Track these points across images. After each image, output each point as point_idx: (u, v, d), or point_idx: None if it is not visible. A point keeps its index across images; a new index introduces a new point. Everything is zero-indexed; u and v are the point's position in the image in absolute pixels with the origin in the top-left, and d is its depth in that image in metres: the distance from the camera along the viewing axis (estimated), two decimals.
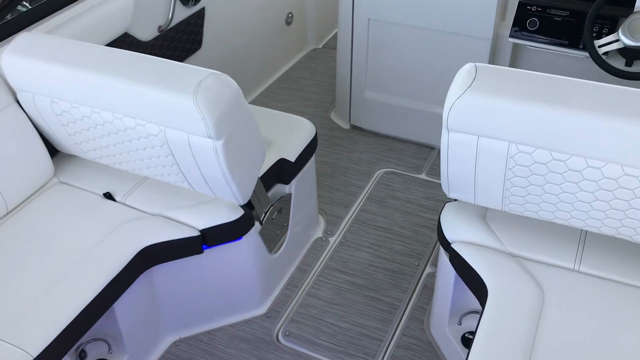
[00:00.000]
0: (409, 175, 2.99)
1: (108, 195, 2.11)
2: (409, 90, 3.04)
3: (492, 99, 1.60)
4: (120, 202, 2.10)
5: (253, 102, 3.58)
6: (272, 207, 2.24)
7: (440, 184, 2.93)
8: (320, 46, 4.17)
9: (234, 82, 1.79)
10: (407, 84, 3.03)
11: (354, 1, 2.90)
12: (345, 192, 2.90)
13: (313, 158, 2.48)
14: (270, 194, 2.28)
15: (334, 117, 3.43)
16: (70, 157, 2.28)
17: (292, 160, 2.30)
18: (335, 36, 4.24)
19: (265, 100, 3.60)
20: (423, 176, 2.99)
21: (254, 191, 2.07)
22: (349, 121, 3.32)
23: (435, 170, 3.01)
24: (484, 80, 1.64)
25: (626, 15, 2.33)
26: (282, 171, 2.30)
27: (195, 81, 1.72)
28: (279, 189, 2.34)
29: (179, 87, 1.72)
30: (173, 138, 1.81)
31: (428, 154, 3.13)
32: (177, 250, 1.99)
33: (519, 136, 1.62)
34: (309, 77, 3.82)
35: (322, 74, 3.84)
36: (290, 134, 2.38)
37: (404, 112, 3.11)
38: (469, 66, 1.69)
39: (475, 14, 2.67)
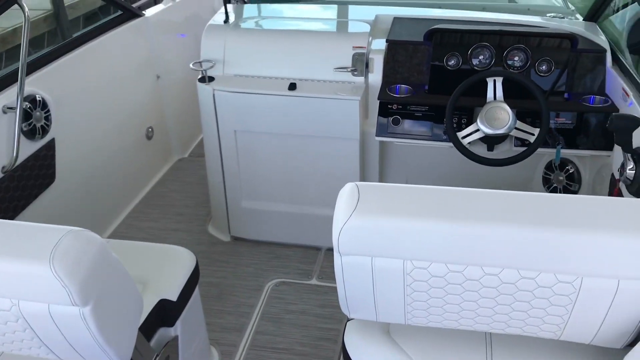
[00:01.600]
0: (300, 283, 2.87)
1: None
2: (287, 195, 2.97)
3: (380, 220, 1.54)
4: None
5: (120, 227, 3.31)
6: (157, 358, 1.99)
7: (334, 287, 2.83)
8: (186, 155, 4.02)
9: (96, 236, 1.58)
10: (284, 189, 2.96)
11: (217, 116, 2.81)
12: (236, 314, 2.70)
13: (197, 290, 2.28)
14: (153, 341, 2.04)
15: (212, 230, 3.26)
16: None
17: (174, 299, 2.09)
18: (200, 143, 4.12)
19: (133, 222, 3.35)
20: (314, 281, 2.88)
21: (135, 347, 1.82)
22: (229, 233, 3.16)
23: (326, 274, 2.92)
24: (368, 201, 1.59)
25: (481, 105, 2.44)
26: (165, 313, 2.07)
27: (50, 243, 1.49)
28: (163, 333, 2.10)
29: (31, 253, 1.48)
30: (29, 311, 1.55)
31: (315, 256, 3.04)
32: None
33: (412, 253, 1.57)
34: (178, 190, 3.63)
35: (192, 184, 3.67)
36: (168, 268, 2.17)
37: (285, 217, 3.02)
38: (350, 187, 1.63)
39: (340, 117, 2.68)
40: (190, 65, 2.82)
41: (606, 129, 2.44)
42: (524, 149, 2.47)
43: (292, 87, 2.70)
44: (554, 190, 2.85)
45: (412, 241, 1.54)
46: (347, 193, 1.62)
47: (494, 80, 2.41)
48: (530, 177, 2.93)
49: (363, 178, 2.92)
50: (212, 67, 2.82)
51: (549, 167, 2.85)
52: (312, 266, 2.97)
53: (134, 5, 3.60)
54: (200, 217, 3.37)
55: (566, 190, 2.80)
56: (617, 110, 2.41)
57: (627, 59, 2.53)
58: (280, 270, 2.95)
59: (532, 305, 1.60)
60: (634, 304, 1.54)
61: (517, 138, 2.48)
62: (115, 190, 3.34)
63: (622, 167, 2.07)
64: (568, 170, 2.77)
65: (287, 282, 2.88)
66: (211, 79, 2.82)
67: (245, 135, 2.84)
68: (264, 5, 3.24)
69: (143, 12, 3.59)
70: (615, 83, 2.48)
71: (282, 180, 2.93)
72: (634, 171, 2.02)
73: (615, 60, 2.56)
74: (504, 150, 2.57)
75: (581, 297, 1.55)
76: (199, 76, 2.84)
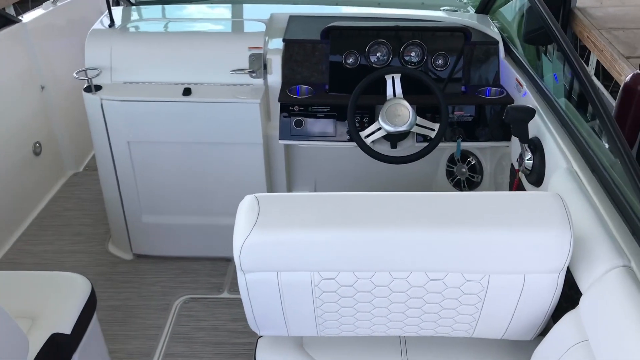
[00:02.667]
0: (210, 298, 2.74)
1: None
2: (191, 206, 2.82)
3: (283, 233, 1.46)
4: None
5: (9, 253, 3.03)
6: None
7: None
8: (81, 169, 3.76)
9: None
10: (187, 200, 2.81)
11: (107, 127, 2.62)
12: (143, 338, 2.53)
13: (95, 318, 2.10)
14: None
15: (112, 249, 3.05)
16: None
17: (68, 332, 1.90)
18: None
19: (25, 247, 3.08)
20: (225, 295, 2.76)
21: None
22: (131, 250, 2.97)
23: (237, 285, 2.80)
24: (269, 213, 1.50)
25: (382, 103, 2.42)
26: (58, 349, 1.88)
27: None
28: None
29: None
30: None
31: (225, 268, 2.92)
32: None
33: (319, 264, 1.49)
34: (74, 208, 3.38)
35: (89, 201, 3.44)
36: (59, 298, 1.98)
37: (190, 229, 2.87)
38: (249, 200, 1.54)
39: (241, 121, 2.57)
40: (74, 75, 2.60)
41: (503, 120, 2.48)
42: (426, 144, 2.47)
43: (187, 92, 2.56)
44: (458, 183, 2.88)
45: (317, 252, 1.47)
46: (246, 207, 1.52)
47: (392, 78, 2.38)
48: (435, 171, 2.95)
49: (270, 184, 2.83)
50: (98, 75, 2.62)
51: (452, 160, 2.88)
52: (222, 279, 2.84)
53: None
54: (100, 235, 3.15)
55: (469, 181, 2.84)
56: (512, 101, 2.46)
57: (519, 50, 2.59)
58: (189, 285, 2.81)
59: (443, 306, 1.57)
60: (541, 296, 1.54)
61: (419, 134, 2.48)
62: (1, 213, 3.05)
63: (521, 158, 2.10)
64: (470, 162, 2.81)
65: (197, 298, 2.74)
66: (98, 87, 2.62)
67: (140, 147, 2.67)
68: (153, 7, 3.06)
69: (20, 17, 3.30)
70: (509, 74, 2.53)
71: (185, 191, 2.79)
72: (531, 161, 2.05)
73: (508, 51, 2.61)
74: (408, 147, 2.56)
75: (490, 295, 1.54)
76: (85, 85, 2.63)
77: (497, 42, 2.60)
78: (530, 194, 1.51)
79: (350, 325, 1.67)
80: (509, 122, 2.00)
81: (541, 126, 2.04)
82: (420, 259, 1.47)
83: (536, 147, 2.04)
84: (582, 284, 1.49)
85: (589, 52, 3.54)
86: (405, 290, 1.53)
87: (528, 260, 1.46)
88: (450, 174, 2.89)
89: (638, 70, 3.77)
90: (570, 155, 1.85)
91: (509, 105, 1.99)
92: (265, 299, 1.59)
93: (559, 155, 1.89)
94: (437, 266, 1.48)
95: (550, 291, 1.52)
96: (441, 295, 1.54)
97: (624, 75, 5.43)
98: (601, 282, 1.42)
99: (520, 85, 2.37)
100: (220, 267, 2.91)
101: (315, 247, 1.46)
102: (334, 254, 1.47)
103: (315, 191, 3.03)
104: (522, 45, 2.63)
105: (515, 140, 2.34)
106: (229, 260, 2.95)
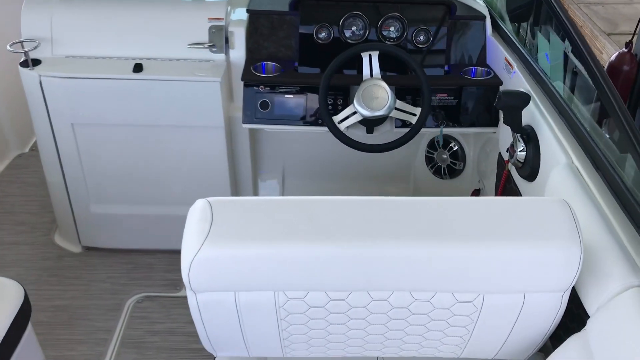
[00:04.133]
0: (166, 297, 2.48)
1: None
2: (145, 194, 2.55)
3: (240, 247, 1.21)
4: None
5: None
6: None
7: None
8: (26, 150, 3.43)
9: None
10: (142, 188, 2.53)
11: (47, 106, 2.32)
12: (91, 343, 2.28)
13: (30, 327, 1.83)
14: None
15: (59, 240, 2.76)
16: None
17: None
18: None
19: None
20: (183, 293, 2.51)
21: None
22: (80, 242, 2.69)
23: None
24: (224, 223, 1.25)
25: (357, 83, 2.17)
26: None
27: None
28: None
29: None
30: None
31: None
32: None
33: (284, 283, 1.25)
34: (18, 194, 3.07)
35: (36, 186, 3.12)
36: None
37: (145, 220, 2.60)
38: (200, 206, 1.28)
39: (199, 102, 2.30)
40: (8, 47, 2.28)
41: (491, 104, 2.26)
42: (405, 130, 2.24)
43: (138, 68, 2.26)
44: (438, 170, 2.66)
45: (282, 269, 1.23)
46: (196, 214, 1.27)
47: (369, 55, 2.13)
48: (413, 157, 2.73)
49: (233, 171, 2.57)
50: (36, 47, 2.30)
51: (432, 145, 2.66)
52: (179, 274, 2.58)
53: None
54: (45, 225, 2.86)
55: (450, 168, 2.63)
56: (501, 82, 2.23)
57: (507, 26, 2.36)
58: (143, 282, 2.55)
59: (429, 327, 1.35)
60: (541, 317, 1.33)
61: (397, 119, 2.24)
62: None
63: (512, 148, 1.88)
64: (451, 148, 2.59)
65: (152, 297, 2.48)
66: (37, 62, 2.31)
67: (86, 129, 2.37)
68: None
69: None
70: (497, 53, 2.30)
71: (137, 179, 2.51)
72: (524, 153, 1.84)
73: (496, 27, 2.38)
74: (385, 132, 2.32)
75: (483, 316, 1.32)
76: (21, 59, 2.31)
77: (484, 17, 2.37)
78: (532, 200, 1.29)
79: (321, 347, 1.44)
80: (500, 108, 1.78)
81: (535, 113, 1.83)
82: (403, 278, 1.24)
83: (529, 137, 1.82)
84: (590, 304, 1.28)
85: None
86: (386, 312, 1.31)
87: (529, 278, 1.24)
88: (430, 161, 2.68)
89: (624, 49, 3.56)
90: (569, 148, 1.64)
91: (501, 90, 1.76)
92: (220, 320, 1.35)
93: (556, 148, 1.67)
94: (423, 285, 1.26)
95: (553, 311, 1.31)
96: (427, 316, 1.32)
97: (605, 52, 5.24)
98: (613, 304, 1.22)
99: (510, 65, 2.14)
100: (177, 261, 2.65)
101: (280, 264, 1.22)
102: (302, 271, 1.23)
103: (283, 179, 2.78)
104: (510, 22, 2.40)
105: (503, 125, 2.12)
106: None
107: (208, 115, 2.33)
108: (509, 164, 1.99)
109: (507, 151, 1.97)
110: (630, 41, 3.40)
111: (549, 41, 1.85)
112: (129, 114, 2.32)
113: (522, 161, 1.84)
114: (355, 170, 2.77)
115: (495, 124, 2.27)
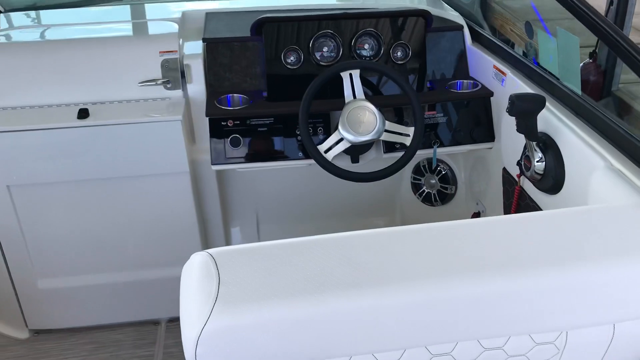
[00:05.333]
0: None
1: None
2: (101, 261, 2.19)
3: (262, 310, 0.92)
4: None
5: None
6: None
7: None
8: None
9: None
10: (96, 254, 2.18)
11: None
12: None
13: None
14: None
15: (0, 327, 2.35)
16: None
17: None
18: None
19: None
20: None
21: None
22: (26, 326, 2.29)
23: (173, 355, 2.19)
24: (235, 280, 0.95)
25: (338, 108, 1.93)
26: None
27: None
28: None
29: None
30: None
31: (154, 333, 2.30)
32: None
33: (321, 350, 0.97)
34: None
35: None
36: None
37: (105, 290, 2.24)
38: (199, 260, 0.99)
39: (159, 146, 2.00)
40: None
41: (484, 118, 2.07)
42: (396, 155, 2.01)
43: (84, 114, 1.95)
44: (427, 197, 2.44)
45: (317, 333, 0.95)
46: (196, 273, 0.97)
47: (350, 75, 1.90)
48: (398, 185, 2.50)
49: (202, 221, 2.26)
50: None
51: (418, 170, 2.43)
52: (151, 349, 2.22)
53: None
54: None
55: (440, 194, 2.41)
56: (492, 93, 2.05)
57: (487, 32, 2.20)
58: None
59: None
60: (631, 346, 1.10)
61: (386, 142, 2.01)
62: None
63: (527, 160, 1.68)
64: (440, 171, 2.38)
65: None
66: None
67: (25, 191, 2.02)
68: (32, 13, 2.42)
69: None
70: (481, 62, 2.13)
71: (93, 243, 2.16)
72: (543, 162, 1.63)
73: (475, 37, 2.21)
74: (372, 160, 2.08)
75: (566, 356, 1.07)
76: None
77: (462, 27, 2.20)
78: (600, 209, 1.07)
79: None
80: (514, 114, 1.57)
81: (549, 118, 1.63)
82: (468, 323, 0.98)
83: (546, 145, 1.62)
84: None
85: (513, 44, 3.20)
86: None
87: (621, 303, 1.00)
88: (417, 188, 2.45)
89: (588, 60, 3.50)
90: (603, 150, 1.44)
91: (513, 95, 1.56)
92: None
93: (586, 152, 1.47)
94: (493, 330, 1.00)
95: None
96: None
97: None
98: None
99: (502, 73, 1.96)
100: (148, 334, 2.29)
101: (313, 326, 0.94)
102: (341, 330, 0.95)
103: (257, 224, 2.48)
104: (490, 28, 2.24)
105: (503, 138, 1.93)
106: (157, 323, 2.34)
107: (169, 160, 2.03)
108: (521, 178, 1.79)
109: (517, 164, 1.76)
110: (594, 51, 3.35)
111: (550, 39, 1.67)
112: (75, 169, 1.99)
113: (542, 172, 1.63)
114: (335, 206, 2.51)
115: (491, 138, 2.07)
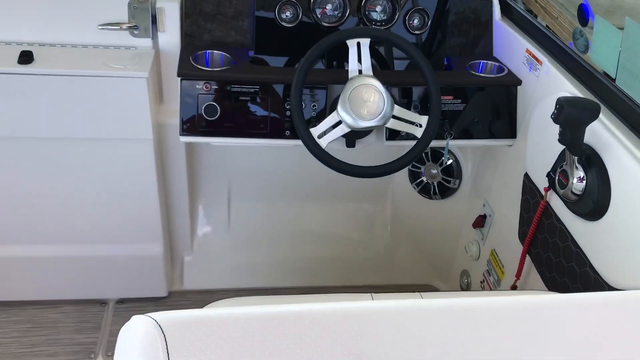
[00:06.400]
0: None
1: None
2: (43, 231, 1.88)
3: None
4: None
5: None
6: None
7: None
8: None
9: None
10: (39, 223, 1.86)
11: None
12: None
13: None
14: None
15: None
16: None
17: None
18: None
19: None
20: None
21: None
22: None
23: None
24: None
25: (338, 82, 1.60)
26: None
27: None
28: None
29: None
30: None
31: (99, 315, 2.00)
32: None
33: None
34: None
35: None
36: None
37: (46, 263, 1.93)
38: (142, 330, 0.69)
39: (117, 107, 1.65)
40: None
41: (507, 109, 1.75)
42: (399, 144, 1.70)
43: (27, 58, 1.58)
44: (425, 188, 2.14)
45: None
46: (136, 348, 0.68)
47: (358, 44, 1.56)
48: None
49: (165, 196, 1.94)
50: None
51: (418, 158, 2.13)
52: (95, 334, 1.93)
53: None
54: None
55: (442, 187, 2.11)
56: (520, 82, 1.73)
57: (520, 5, 1.86)
58: (44, 350, 1.87)
59: None
60: None
61: (391, 129, 1.68)
62: None
63: (564, 176, 1.38)
64: (443, 162, 2.08)
65: None
66: None
67: None
68: None
69: None
70: (509, 42, 1.80)
71: (33, 211, 1.83)
72: (584, 182, 1.34)
73: (506, 11, 1.87)
74: (370, 145, 1.77)
75: None
76: None
77: None
78: None
79: None
80: (561, 122, 1.26)
81: (598, 129, 1.33)
82: None
83: (590, 162, 1.33)
84: None
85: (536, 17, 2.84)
86: None
87: None
88: (415, 177, 2.15)
89: None
90: None
91: (562, 98, 1.25)
92: None
93: None
94: None
95: None
96: None
97: None
98: None
99: (537, 61, 1.64)
100: (92, 316, 1.99)
101: None
102: None
103: (229, 202, 2.17)
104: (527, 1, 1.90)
105: (526, 136, 1.62)
106: (104, 303, 2.04)
107: (130, 124, 1.69)
108: (549, 192, 1.50)
109: (548, 176, 1.47)
110: None
111: (614, 30, 1.35)
112: (13, 124, 1.64)
113: (580, 193, 1.34)
114: (317, 187, 2.20)
115: (512, 134, 1.77)
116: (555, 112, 1.25)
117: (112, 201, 1.84)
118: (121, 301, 2.04)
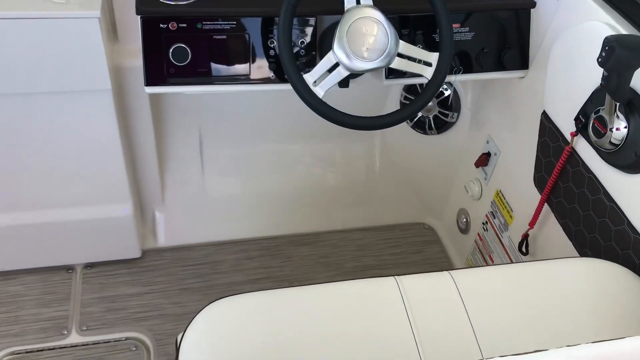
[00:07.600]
0: (46, 350, 1.65)
1: None
2: (5, 195, 1.63)
3: None
4: None
5: None
6: None
7: (111, 339, 1.68)
8: None
9: None
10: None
11: None
12: None
13: None
14: None
15: None
16: None
17: None
18: None
19: None
20: (74, 338, 1.68)
21: None
22: None
23: (92, 316, 1.72)
24: None
25: (332, 12, 1.35)
26: None
27: None
28: None
29: None
30: None
31: (66, 284, 1.80)
32: None
33: None
34: None
35: None
36: None
37: (6, 231, 1.70)
38: None
39: (67, 52, 1.37)
40: None
41: (517, 36, 1.54)
42: (400, 81, 1.49)
43: None
44: (420, 123, 1.95)
45: None
46: None
47: None
48: (381, 104, 1.98)
49: (130, 151, 1.69)
50: None
51: (411, 88, 1.91)
52: (66, 307, 1.74)
53: None
54: None
55: (438, 120, 1.92)
56: (534, 4, 1.51)
57: None
58: (8, 329, 1.67)
59: None
60: None
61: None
62: None
63: (600, 123, 1.21)
64: (442, 92, 1.87)
65: (23, 353, 1.63)
66: None
67: None
68: None
69: None
70: None
71: None
72: (625, 131, 1.17)
73: None
74: (366, 83, 1.54)
75: None
76: None
77: None
78: None
79: None
80: (609, 66, 1.07)
81: None
82: None
83: (633, 109, 1.15)
84: None
85: None
86: None
87: None
88: None
89: None
90: None
91: (611, 37, 1.04)
92: None
93: None
94: None
95: None
96: None
97: None
98: None
99: None
100: (58, 286, 1.79)
101: None
102: None
103: (201, 149, 1.93)
104: None
105: (548, 74, 1.43)
106: (71, 269, 1.83)
107: (82, 74, 1.41)
108: (575, 137, 1.33)
109: (576, 120, 1.29)
110: None
111: None
112: None
113: (618, 143, 1.18)
114: (299, 125, 1.98)
115: (524, 65, 1.57)
116: (604, 55, 1.05)
117: (71, 160, 1.59)
118: (90, 265, 1.84)
